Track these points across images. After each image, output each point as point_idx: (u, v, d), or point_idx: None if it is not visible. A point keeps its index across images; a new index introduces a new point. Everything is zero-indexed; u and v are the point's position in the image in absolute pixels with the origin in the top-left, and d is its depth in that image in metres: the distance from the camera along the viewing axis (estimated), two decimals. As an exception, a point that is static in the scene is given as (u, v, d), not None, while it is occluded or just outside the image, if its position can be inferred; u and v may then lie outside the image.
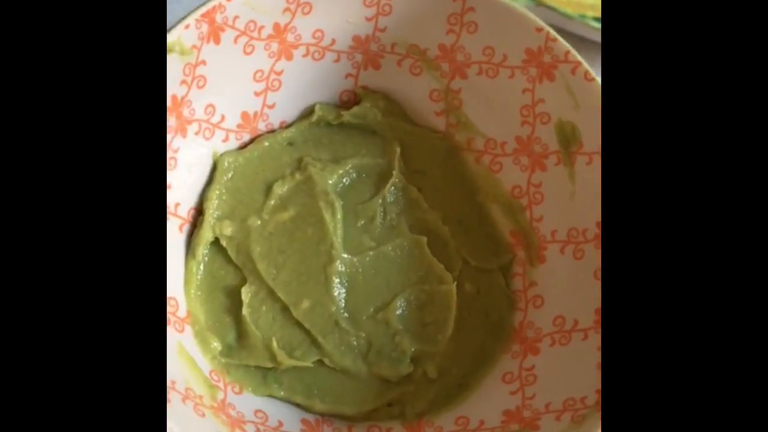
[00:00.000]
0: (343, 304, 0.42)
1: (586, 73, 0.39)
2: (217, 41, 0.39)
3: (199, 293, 0.41)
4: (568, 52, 0.39)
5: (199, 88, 0.40)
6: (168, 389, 0.34)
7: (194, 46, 0.38)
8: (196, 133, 0.41)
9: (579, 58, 0.39)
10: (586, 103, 0.40)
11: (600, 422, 0.35)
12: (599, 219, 0.40)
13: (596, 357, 0.38)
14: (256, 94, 0.43)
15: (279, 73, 0.43)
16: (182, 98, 0.39)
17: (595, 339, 0.39)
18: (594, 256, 0.41)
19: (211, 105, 0.41)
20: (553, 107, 0.41)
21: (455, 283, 0.42)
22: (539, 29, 0.40)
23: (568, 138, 0.41)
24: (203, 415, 0.35)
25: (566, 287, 0.42)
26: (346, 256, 0.42)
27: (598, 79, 0.39)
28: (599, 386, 0.36)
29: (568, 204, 0.42)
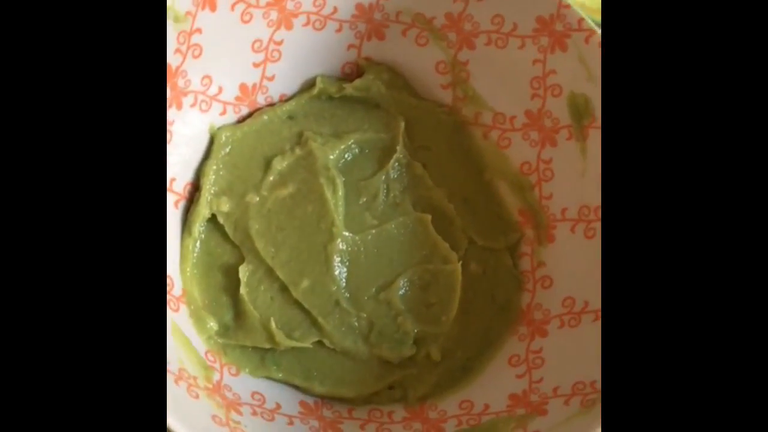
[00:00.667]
0: (343, 284, 0.40)
1: (601, 42, 0.37)
2: (213, 8, 0.38)
3: (195, 272, 0.40)
4: (581, 19, 0.37)
5: (195, 57, 0.38)
6: (160, 369, 0.32)
7: (189, 13, 0.37)
8: (192, 106, 0.40)
9: (593, 25, 0.37)
10: (599, 73, 0.38)
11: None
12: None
13: (607, 340, 0.36)
14: (255, 65, 0.42)
15: (278, 43, 0.41)
16: (177, 68, 0.38)
17: (606, 321, 0.37)
18: (606, 234, 0.39)
19: (207, 76, 0.40)
20: (565, 79, 0.40)
21: (460, 262, 0.41)
22: (551, -5, 0.38)
23: (580, 111, 0.40)
24: (197, 396, 0.34)
25: (576, 267, 0.40)
26: (347, 234, 0.41)
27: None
28: (610, 370, 0.35)
29: (579, 181, 0.40)
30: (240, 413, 0.36)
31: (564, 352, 0.38)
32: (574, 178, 0.41)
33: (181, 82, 0.38)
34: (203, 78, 0.40)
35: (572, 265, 0.40)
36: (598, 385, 0.35)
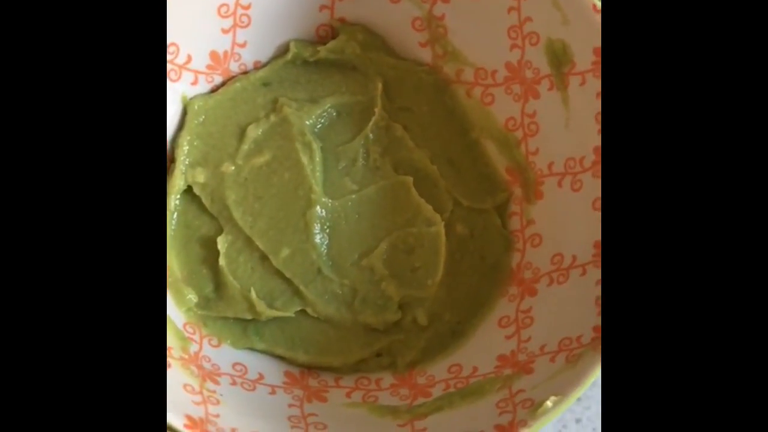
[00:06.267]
0: (325, 251, 0.39)
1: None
2: (171, -30, 0.37)
3: (173, 244, 0.39)
4: (550, -41, 0.36)
5: (158, 24, 0.37)
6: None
7: (145, -24, 0.36)
8: (160, 75, 0.39)
9: (561, -36, 0.35)
10: (574, 15, 0.36)
11: (597, 361, 0.32)
12: (596, 144, 0.37)
13: (594, 292, 0.35)
14: (224, 31, 0.41)
15: (246, 8, 0.40)
16: (139, 36, 0.37)
17: (594, 273, 0.36)
18: (592, 185, 0.37)
19: (173, 44, 0.39)
20: (542, 25, 0.38)
21: (444, 224, 0.39)
22: (517, -66, 0.36)
23: (559, 58, 0.38)
24: (169, 365, 0.33)
25: (565, 222, 0.38)
26: (326, 200, 0.39)
27: (585, -15, 0.35)
28: (596, 323, 0.33)
29: (563, 132, 0.39)
30: (217, 383, 0.35)
31: (553, 309, 0.37)
32: (558, 130, 0.39)
33: (144, 50, 0.37)
34: (169, 46, 0.39)
35: (560, 220, 0.39)
36: (584, 339, 0.33)
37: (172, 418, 0.29)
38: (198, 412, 0.31)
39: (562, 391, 0.31)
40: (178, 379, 0.33)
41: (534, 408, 0.31)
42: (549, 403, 0.30)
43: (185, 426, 0.29)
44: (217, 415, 0.32)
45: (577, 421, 0.42)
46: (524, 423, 0.31)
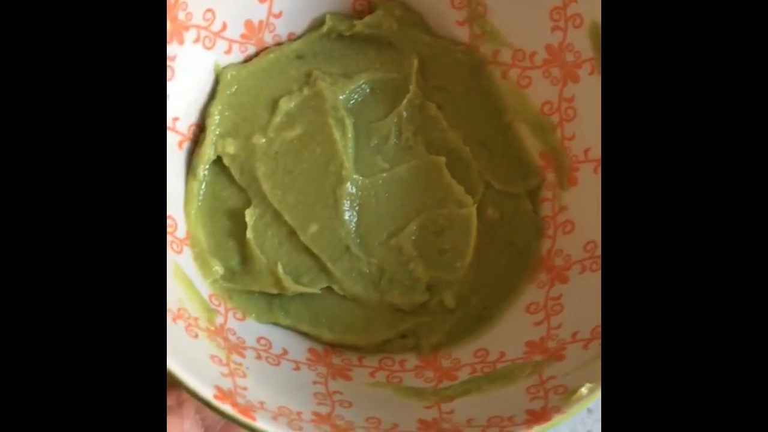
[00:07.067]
0: (353, 229, 0.38)
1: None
2: (211, -65, 0.36)
3: (200, 215, 0.38)
4: (601, -63, 0.35)
5: (195, -11, 0.37)
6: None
7: (186, -61, 0.35)
8: (195, 41, 0.38)
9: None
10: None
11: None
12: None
13: (630, 282, 0.34)
14: (260, 0, 0.40)
15: (284, -22, 0.40)
16: None
17: (630, 263, 0.35)
18: (630, 173, 0.36)
19: (210, 10, 0.38)
20: (586, 6, 0.37)
21: (475, 206, 0.39)
22: None
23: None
24: (196, 336, 0.33)
25: (599, 210, 0.38)
26: (357, 177, 0.39)
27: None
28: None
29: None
30: (243, 356, 0.35)
31: (585, 297, 0.36)
32: (597, 116, 0.38)
33: (181, 15, 0.37)
34: (206, 12, 0.38)
35: (595, 208, 0.38)
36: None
37: (202, 389, 0.29)
38: (227, 384, 0.30)
39: (596, 378, 0.31)
40: (205, 350, 0.32)
41: (568, 395, 0.31)
42: (584, 390, 0.30)
43: (215, 397, 0.29)
44: (245, 388, 0.31)
45: (588, 432, 0.41)
46: (558, 409, 0.30)
